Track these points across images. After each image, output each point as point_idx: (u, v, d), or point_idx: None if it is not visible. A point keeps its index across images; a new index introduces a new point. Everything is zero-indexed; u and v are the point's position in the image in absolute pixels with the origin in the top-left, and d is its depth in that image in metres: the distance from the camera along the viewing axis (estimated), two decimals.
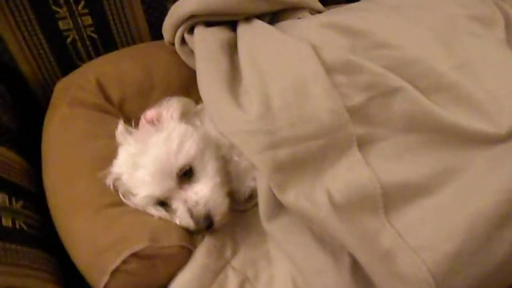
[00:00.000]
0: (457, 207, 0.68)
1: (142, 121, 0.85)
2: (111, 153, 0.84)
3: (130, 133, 0.85)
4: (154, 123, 0.85)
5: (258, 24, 0.98)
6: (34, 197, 0.84)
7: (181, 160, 0.80)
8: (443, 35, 0.86)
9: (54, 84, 0.99)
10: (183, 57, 1.00)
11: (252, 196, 0.89)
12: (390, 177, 0.72)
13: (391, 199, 0.71)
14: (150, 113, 0.85)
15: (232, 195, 0.87)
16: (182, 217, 0.80)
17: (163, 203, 0.82)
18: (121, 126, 0.86)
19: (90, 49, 1.07)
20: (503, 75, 0.79)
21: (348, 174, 0.75)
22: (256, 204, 0.84)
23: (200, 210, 0.79)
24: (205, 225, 0.79)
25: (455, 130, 0.73)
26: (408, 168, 0.74)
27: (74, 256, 0.77)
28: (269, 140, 0.75)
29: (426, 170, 0.73)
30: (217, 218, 0.80)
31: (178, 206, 0.80)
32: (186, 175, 0.81)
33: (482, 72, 0.79)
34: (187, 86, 1.02)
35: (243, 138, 0.77)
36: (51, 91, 0.98)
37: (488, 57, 0.83)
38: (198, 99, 0.93)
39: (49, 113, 0.94)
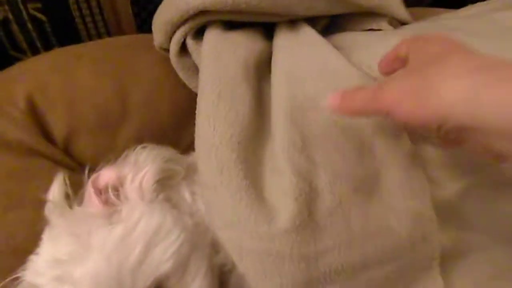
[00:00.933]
0: None
1: (89, 189, 0.52)
2: (33, 241, 0.51)
3: (67, 208, 0.51)
4: (109, 196, 0.52)
5: (310, 36, 0.63)
6: None
7: (142, 282, 0.47)
8: None
9: None
10: (181, 73, 0.65)
11: None
12: None
13: None
14: (104, 177, 0.52)
15: None
16: None
17: None
18: (55, 190, 0.51)
19: (33, 36, 0.71)
20: None
21: None
22: None
23: None
24: None
25: None
26: None
27: None
28: (305, 271, 0.46)
29: None
30: None
31: None
32: None
33: None
34: (180, 119, 0.66)
35: (261, 264, 0.46)
36: None
37: None
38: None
39: None
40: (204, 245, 0.52)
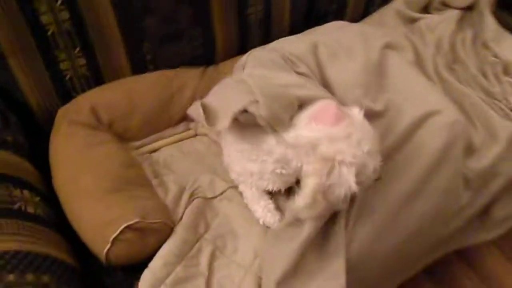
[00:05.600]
0: None
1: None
2: (105, 157, 1.10)
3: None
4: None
5: None
6: (46, 195, 1.06)
7: None
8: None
9: (55, 112, 1.20)
10: None
11: None
12: None
13: None
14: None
15: None
16: None
17: None
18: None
19: (83, 83, 1.25)
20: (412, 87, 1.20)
21: None
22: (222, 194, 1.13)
23: None
24: None
25: None
26: None
27: (82, 232, 0.99)
28: None
29: None
30: None
31: None
32: None
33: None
34: (164, 106, 1.25)
35: None
36: (53, 118, 1.19)
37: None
38: (172, 117, 1.22)
39: (53, 132, 1.15)
40: None
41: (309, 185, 0.85)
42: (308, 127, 0.91)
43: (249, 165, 1.02)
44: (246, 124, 0.99)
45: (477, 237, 1.37)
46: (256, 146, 0.99)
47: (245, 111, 0.94)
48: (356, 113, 0.92)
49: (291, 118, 0.96)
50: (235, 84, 1.03)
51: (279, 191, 1.07)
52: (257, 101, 0.93)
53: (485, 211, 1.34)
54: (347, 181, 0.85)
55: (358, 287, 1.05)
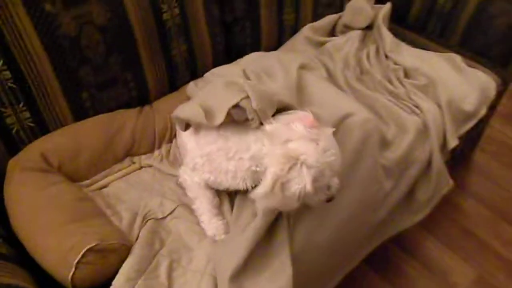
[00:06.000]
0: None
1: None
2: (59, 195, 1.18)
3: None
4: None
5: None
6: (5, 237, 1.14)
7: None
8: None
9: (6, 163, 1.27)
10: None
11: None
12: None
13: None
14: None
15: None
16: None
17: None
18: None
19: (30, 134, 1.34)
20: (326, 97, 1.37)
21: None
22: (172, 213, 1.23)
23: None
24: None
25: None
26: None
27: (45, 263, 1.05)
28: None
29: None
30: None
31: None
32: None
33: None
34: (107, 146, 1.37)
35: None
36: (4, 169, 1.26)
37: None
38: (116, 154, 1.33)
39: (6, 181, 1.22)
40: None
41: (269, 174, 0.97)
42: (286, 126, 1.04)
43: (226, 163, 1.13)
44: (228, 124, 1.13)
45: (408, 220, 1.54)
46: (236, 144, 1.12)
47: (237, 106, 1.09)
48: (328, 129, 1.05)
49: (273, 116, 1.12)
50: (226, 84, 1.18)
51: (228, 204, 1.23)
52: (248, 97, 1.08)
53: (410, 196, 1.51)
54: (304, 181, 0.96)
55: (304, 278, 1.17)
